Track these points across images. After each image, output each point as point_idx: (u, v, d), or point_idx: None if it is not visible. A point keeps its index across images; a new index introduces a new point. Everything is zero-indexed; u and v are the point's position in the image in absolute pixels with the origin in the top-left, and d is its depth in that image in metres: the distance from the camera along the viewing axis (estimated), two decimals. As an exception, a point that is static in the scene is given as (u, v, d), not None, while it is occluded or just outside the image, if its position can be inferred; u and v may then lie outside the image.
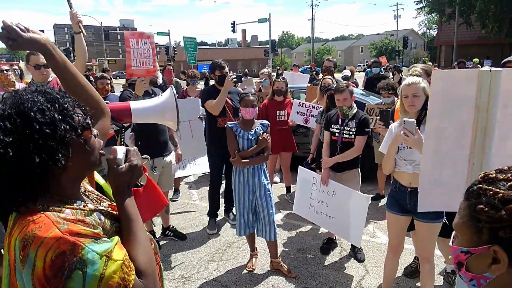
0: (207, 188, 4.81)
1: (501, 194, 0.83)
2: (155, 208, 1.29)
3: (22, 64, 7.38)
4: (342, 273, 3.64)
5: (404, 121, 2.50)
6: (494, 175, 0.89)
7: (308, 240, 4.34)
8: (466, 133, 1.65)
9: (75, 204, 1.05)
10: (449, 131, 1.69)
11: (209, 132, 4.66)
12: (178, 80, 8.53)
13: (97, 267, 0.91)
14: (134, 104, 1.54)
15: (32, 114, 0.95)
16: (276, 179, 6.31)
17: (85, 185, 1.23)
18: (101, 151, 1.12)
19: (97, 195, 1.22)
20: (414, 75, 3.14)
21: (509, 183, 0.85)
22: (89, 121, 1.08)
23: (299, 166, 4.17)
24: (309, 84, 6.50)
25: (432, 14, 35.45)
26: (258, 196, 3.53)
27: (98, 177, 1.83)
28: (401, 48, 37.52)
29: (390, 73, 10.88)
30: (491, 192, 0.85)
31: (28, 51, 3.52)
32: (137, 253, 1.04)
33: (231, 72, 4.51)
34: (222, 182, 4.83)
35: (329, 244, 4.09)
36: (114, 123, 1.52)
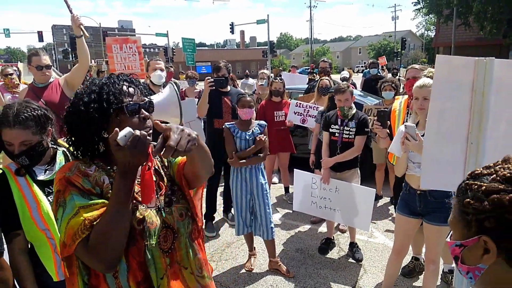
0: (205, 190, 4.82)
1: (484, 187, 0.89)
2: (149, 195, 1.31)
3: (20, 65, 7.46)
4: (340, 272, 3.66)
5: (405, 125, 2.56)
6: (480, 171, 0.95)
7: (307, 240, 4.35)
8: (465, 115, 1.79)
9: (108, 167, 1.31)
10: (450, 112, 1.82)
11: (207, 133, 4.67)
12: (176, 81, 8.54)
13: (69, 212, 1.17)
14: None
15: (82, 95, 1.26)
16: (275, 179, 6.32)
17: None
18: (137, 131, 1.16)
19: None
20: (428, 77, 3.08)
21: (491, 177, 0.91)
22: (132, 108, 1.26)
23: (295, 169, 4.15)
24: (303, 95, 6.41)
25: (430, 15, 35.53)
26: (256, 195, 3.54)
27: None
28: (400, 50, 37.60)
29: (389, 74, 10.89)
30: (476, 186, 0.91)
31: (29, 52, 3.53)
32: (98, 222, 1.17)
33: (215, 74, 4.46)
34: (221, 184, 4.85)
35: (327, 244, 4.10)
36: None
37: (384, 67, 11.99)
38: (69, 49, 28.69)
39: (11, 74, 5.68)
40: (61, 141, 1.88)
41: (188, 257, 1.38)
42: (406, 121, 3.35)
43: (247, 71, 13.76)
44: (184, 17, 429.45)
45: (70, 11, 3.31)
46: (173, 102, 1.72)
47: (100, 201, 1.20)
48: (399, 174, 2.90)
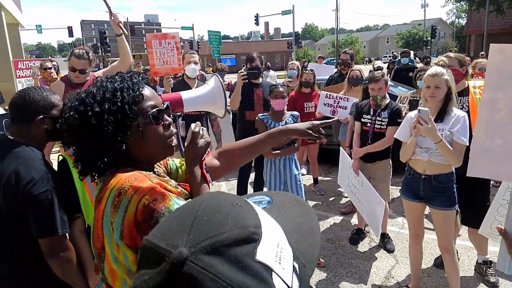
0: (235, 180, 4.90)
1: None
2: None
3: (58, 60, 7.86)
4: (371, 263, 3.68)
5: (419, 109, 2.63)
6: None
7: (337, 231, 4.38)
8: None
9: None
10: (503, 102, 1.77)
11: (238, 125, 4.73)
12: (204, 73, 8.64)
13: None
14: (184, 94, 1.61)
15: (92, 104, 1.09)
16: (303, 170, 6.34)
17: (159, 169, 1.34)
18: (169, 141, 1.20)
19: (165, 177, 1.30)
20: (440, 65, 3.14)
21: None
22: (154, 114, 1.15)
23: (341, 148, 4.28)
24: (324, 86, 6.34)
25: (461, 2, 34.30)
26: (289, 186, 3.59)
27: None
28: (429, 38, 36.54)
29: (420, 64, 10.66)
30: None
31: (70, 52, 3.67)
32: None
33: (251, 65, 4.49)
34: (251, 173, 4.92)
35: (358, 234, 4.12)
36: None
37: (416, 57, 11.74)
38: (98, 44, 29.38)
39: (50, 68, 6.06)
40: None
41: None
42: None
43: (268, 63, 13.67)
44: (208, 9, 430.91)
45: (110, 11, 3.43)
46: (220, 94, 1.76)
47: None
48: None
